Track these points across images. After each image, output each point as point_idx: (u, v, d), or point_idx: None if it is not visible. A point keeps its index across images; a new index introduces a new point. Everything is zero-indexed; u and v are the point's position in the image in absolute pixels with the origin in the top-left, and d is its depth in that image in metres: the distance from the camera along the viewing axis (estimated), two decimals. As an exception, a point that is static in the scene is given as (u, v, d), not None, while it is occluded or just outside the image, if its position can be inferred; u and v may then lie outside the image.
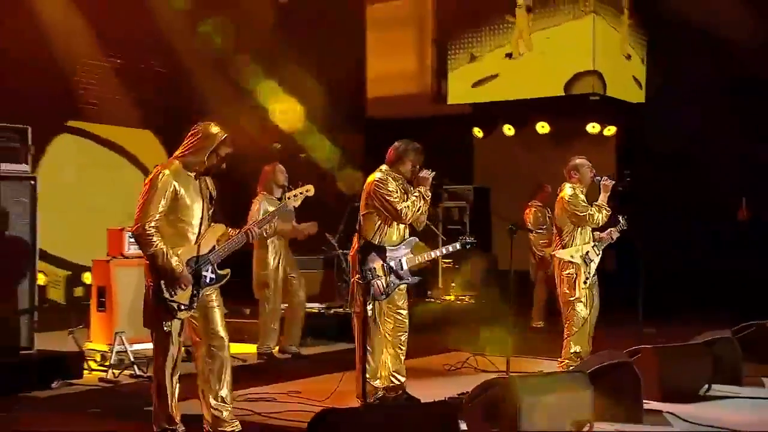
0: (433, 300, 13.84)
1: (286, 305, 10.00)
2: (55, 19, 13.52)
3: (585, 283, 8.80)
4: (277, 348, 9.92)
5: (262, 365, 9.53)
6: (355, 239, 7.27)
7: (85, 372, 8.52)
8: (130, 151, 14.97)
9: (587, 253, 8.81)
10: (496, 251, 13.79)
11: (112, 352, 8.52)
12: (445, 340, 10.57)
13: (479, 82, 14.63)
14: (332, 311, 11.74)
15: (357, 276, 7.12)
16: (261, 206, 9.55)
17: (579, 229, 8.83)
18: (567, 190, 8.90)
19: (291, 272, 9.91)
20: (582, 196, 8.78)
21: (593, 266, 8.82)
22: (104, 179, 14.35)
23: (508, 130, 14.56)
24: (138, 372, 8.45)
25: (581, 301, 8.81)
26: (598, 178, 9.27)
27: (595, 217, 8.75)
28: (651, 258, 13.17)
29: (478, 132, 14.72)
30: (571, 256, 8.85)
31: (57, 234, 13.45)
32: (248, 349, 9.96)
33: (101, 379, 8.29)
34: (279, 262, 9.66)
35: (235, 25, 15.35)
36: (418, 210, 7.24)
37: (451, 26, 15.07)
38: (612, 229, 9.16)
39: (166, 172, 5.79)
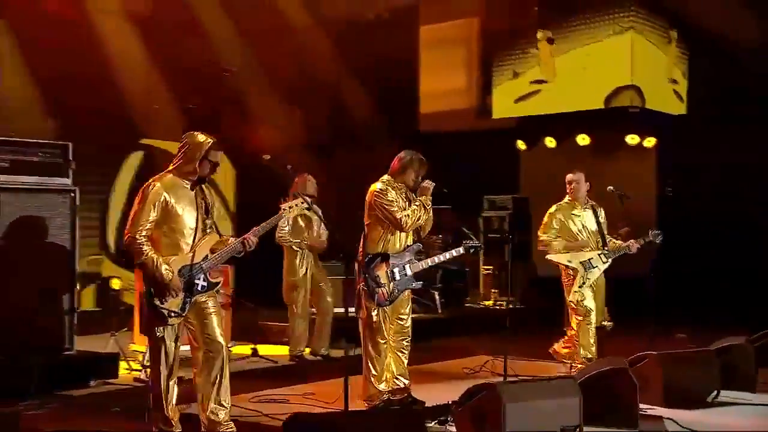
0: (471, 305, 13.62)
1: (315, 310, 9.82)
2: (125, 43, 13.75)
3: (580, 287, 8.61)
4: (308, 350, 9.74)
5: (292, 367, 9.38)
6: (360, 248, 7.16)
7: (125, 372, 8.51)
8: None
9: (590, 259, 8.65)
10: (536, 258, 13.43)
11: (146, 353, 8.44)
12: (475, 344, 10.34)
13: (522, 97, 14.44)
14: (350, 315, 11.42)
15: (362, 283, 7.01)
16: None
17: (574, 237, 8.81)
18: (551, 208, 9.00)
19: (319, 278, 9.74)
20: (559, 217, 8.88)
21: (595, 272, 8.66)
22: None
23: (550, 142, 14.28)
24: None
25: (581, 306, 8.64)
26: (611, 188, 9.11)
27: (552, 246, 8.78)
28: (693, 265, 12.93)
29: (521, 144, 14.46)
30: (569, 261, 8.79)
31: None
32: (283, 350, 9.86)
33: (136, 379, 8.26)
34: (308, 269, 9.52)
35: (294, 47, 15.41)
36: (419, 219, 7.06)
37: (496, 45, 14.87)
38: (632, 241, 8.94)
39: (158, 184, 5.70)
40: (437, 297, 12.51)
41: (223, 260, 5.90)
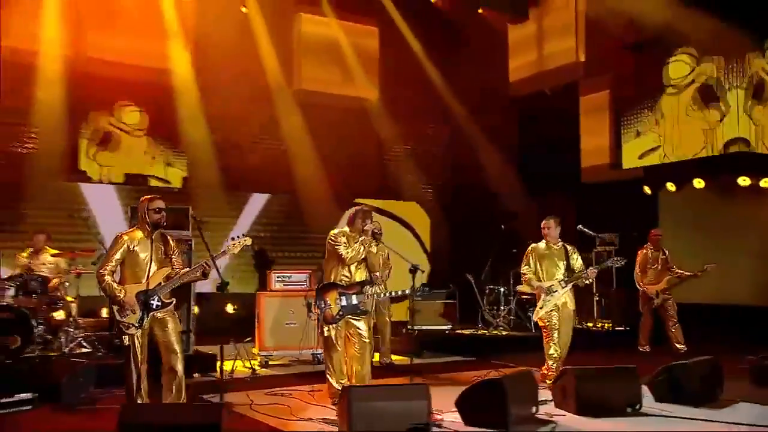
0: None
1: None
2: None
3: (541, 308, 8.39)
4: (377, 356, 9.68)
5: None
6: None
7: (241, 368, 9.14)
8: (403, 218, 15.75)
9: (551, 286, 8.38)
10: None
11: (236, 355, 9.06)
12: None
13: (644, 154, 13.63)
14: (446, 331, 11.45)
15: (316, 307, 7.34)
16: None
17: (543, 270, 8.47)
18: (529, 247, 8.66)
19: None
20: (533, 255, 8.58)
21: (556, 296, 8.37)
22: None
23: (671, 186, 13.19)
24: (253, 371, 9.07)
25: (544, 324, 8.38)
26: (580, 227, 8.70)
27: (524, 276, 8.64)
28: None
29: (647, 190, 13.51)
30: (533, 289, 8.69)
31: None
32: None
33: (254, 370, 9.05)
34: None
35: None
36: (358, 254, 7.23)
37: (623, 111, 14.14)
38: (591, 268, 8.68)
39: (125, 237, 6.39)
40: (533, 318, 11.87)
41: (176, 285, 6.39)
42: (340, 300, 7.22)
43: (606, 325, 12.43)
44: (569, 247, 8.64)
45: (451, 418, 6.55)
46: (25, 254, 9.77)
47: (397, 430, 5.73)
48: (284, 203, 14.92)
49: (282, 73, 14.97)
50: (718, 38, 11.97)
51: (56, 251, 9.86)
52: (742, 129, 12.28)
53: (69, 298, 9.46)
